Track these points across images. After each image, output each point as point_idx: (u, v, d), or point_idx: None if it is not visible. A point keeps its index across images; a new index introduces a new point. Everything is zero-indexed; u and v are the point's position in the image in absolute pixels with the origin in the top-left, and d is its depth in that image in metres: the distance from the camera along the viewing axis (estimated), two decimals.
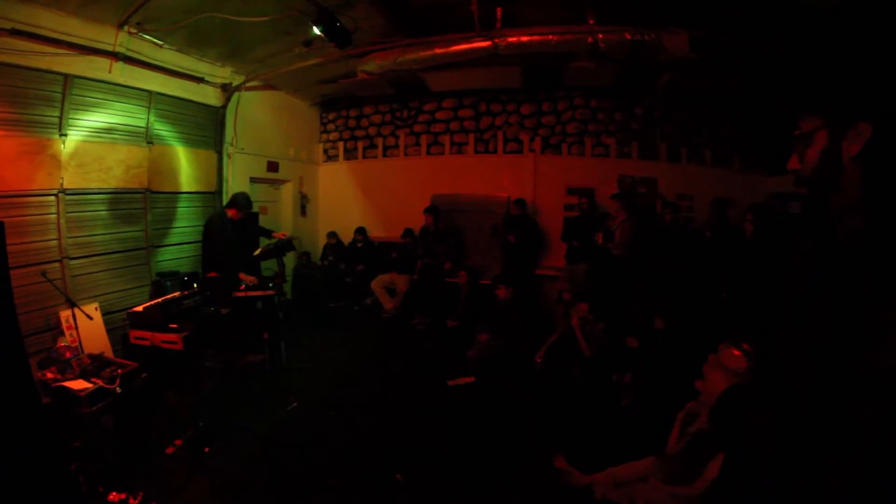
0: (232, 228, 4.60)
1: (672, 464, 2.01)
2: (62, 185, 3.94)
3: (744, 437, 0.89)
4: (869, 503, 0.69)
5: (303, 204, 7.73)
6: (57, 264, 3.90)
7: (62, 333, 3.71)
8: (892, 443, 0.66)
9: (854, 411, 0.70)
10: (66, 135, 3.95)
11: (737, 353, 1.15)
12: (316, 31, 4.03)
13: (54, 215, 3.91)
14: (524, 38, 4.38)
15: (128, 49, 4.31)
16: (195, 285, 4.44)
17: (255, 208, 5.77)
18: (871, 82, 0.87)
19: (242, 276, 4.55)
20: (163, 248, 5.02)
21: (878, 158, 0.81)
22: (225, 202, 5.20)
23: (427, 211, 6.59)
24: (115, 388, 3.02)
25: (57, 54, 3.77)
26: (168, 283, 4.67)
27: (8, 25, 3.41)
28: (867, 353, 0.70)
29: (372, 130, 7.87)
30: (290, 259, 6.54)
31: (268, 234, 5.01)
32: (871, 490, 0.69)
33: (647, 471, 2.22)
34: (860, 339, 0.71)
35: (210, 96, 5.55)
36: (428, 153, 7.55)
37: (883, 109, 0.81)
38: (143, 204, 4.76)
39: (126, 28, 4.19)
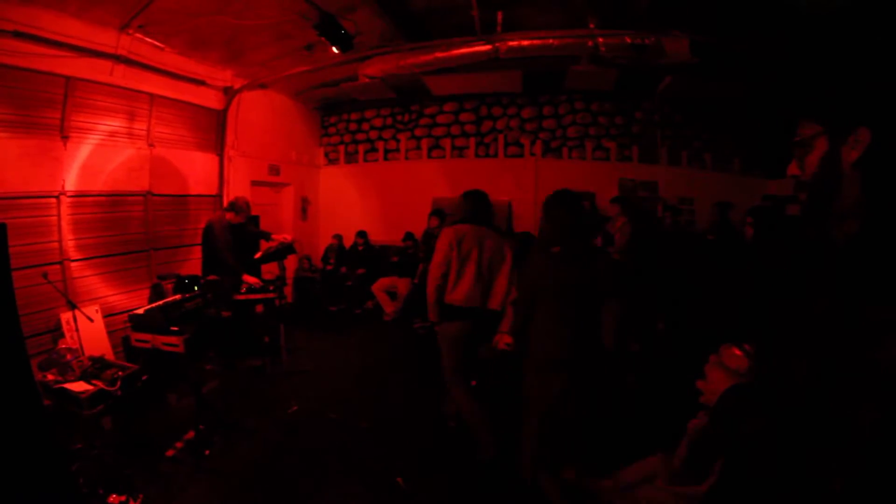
0: (231, 232, 4.59)
1: (679, 465, 2.01)
2: (63, 187, 3.95)
3: (744, 437, 0.89)
4: (871, 502, 0.69)
5: (304, 207, 7.74)
6: (58, 266, 3.90)
7: (63, 335, 3.70)
8: (893, 440, 0.67)
9: (855, 409, 0.70)
10: (67, 137, 3.96)
11: (738, 352, 1.15)
12: (318, 35, 4.05)
13: (55, 217, 3.92)
14: (525, 42, 4.40)
15: (129, 52, 4.32)
16: (196, 288, 4.44)
17: (256, 212, 5.77)
18: (871, 88, 0.87)
19: (247, 277, 4.54)
20: (164, 251, 5.02)
21: (877, 164, 0.82)
22: (225, 205, 5.21)
23: (433, 214, 6.58)
24: (115, 390, 3.01)
25: (59, 56, 3.78)
26: (169, 285, 4.67)
27: (10, 27, 3.42)
28: (866, 351, 0.70)
29: (373, 134, 7.88)
30: (290, 262, 6.53)
31: (266, 235, 4.99)
32: (872, 489, 0.69)
33: (654, 470, 2.21)
34: (859, 338, 0.72)
35: (211, 99, 5.57)
36: (429, 157, 7.57)
37: (882, 115, 0.82)
38: (143, 206, 4.77)
39: (128, 31, 4.21)
